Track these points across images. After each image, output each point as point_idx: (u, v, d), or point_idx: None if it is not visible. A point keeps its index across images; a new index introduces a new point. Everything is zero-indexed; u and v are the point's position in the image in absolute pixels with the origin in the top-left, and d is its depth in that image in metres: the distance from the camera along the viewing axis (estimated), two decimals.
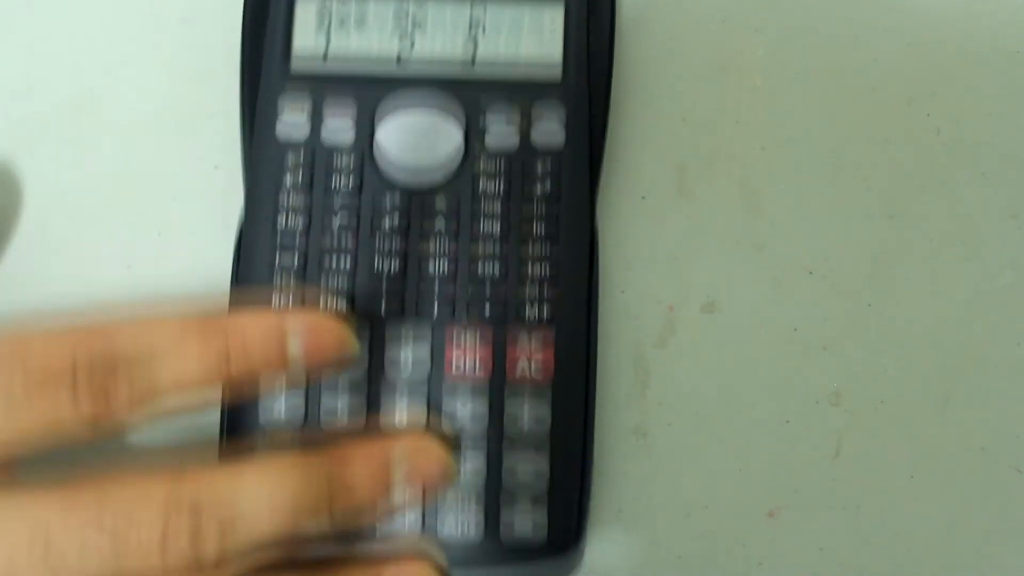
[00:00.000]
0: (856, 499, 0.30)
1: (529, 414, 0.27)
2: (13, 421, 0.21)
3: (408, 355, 0.28)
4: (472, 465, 0.27)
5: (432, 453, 0.26)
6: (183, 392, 0.23)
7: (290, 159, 0.28)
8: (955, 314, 0.31)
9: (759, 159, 0.32)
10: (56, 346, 0.22)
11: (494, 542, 0.27)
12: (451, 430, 0.27)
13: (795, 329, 0.31)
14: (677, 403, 0.30)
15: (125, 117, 0.32)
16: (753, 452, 0.30)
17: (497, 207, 0.28)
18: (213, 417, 0.27)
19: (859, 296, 0.31)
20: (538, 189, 0.28)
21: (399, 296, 0.28)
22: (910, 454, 0.30)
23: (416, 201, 0.28)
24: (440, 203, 0.28)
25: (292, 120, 0.29)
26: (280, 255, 0.28)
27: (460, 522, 0.27)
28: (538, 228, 0.28)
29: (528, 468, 0.27)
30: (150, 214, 0.31)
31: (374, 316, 0.28)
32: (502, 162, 0.28)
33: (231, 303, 0.28)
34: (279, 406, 0.27)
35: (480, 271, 0.28)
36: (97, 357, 0.22)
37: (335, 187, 0.28)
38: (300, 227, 0.28)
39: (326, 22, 0.29)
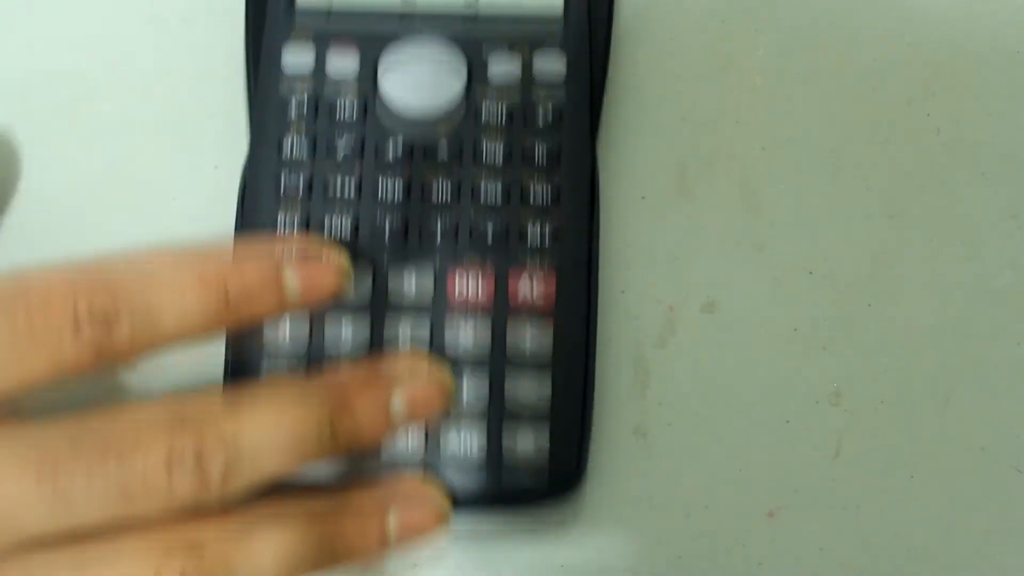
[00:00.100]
0: (856, 499, 0.30)
1: (531, 339, 0.28)
2: (18, 362, 0.21)
3: (411, 285, 0.28)
4: (474, 389, 0.27)
5: (431, 377, 0.26)
6: (183, 324, 0.23)
7: (294, 102, 0.29)
8: (955, 314, 0.31)
9: (759, 159, 0.32)
10: (58, 288, 0.22)
11: (497, 464, 0.27)
12: (451, 358, 0.28)
13: (795, 329, 0.31)
14: (677, 403, 0.30)
15: (125, 117, 0.32)
16: (753, 452, 0.30)
17: (499, 143, 0.29)
18: (218, 358, 0.28)
19: (859, 296, 0.31)
20: (539, 124, 0.29)
21: (403, 228, 0.28)
22: (910, 454, 0.30)
23: (419, 139, 0.29)
24: (443, 141, 0.29)
25: (297, 64, 0.29)
26: (284, 193, 0.29)
27: (463, 445, 0.27)
28: (539, 161, 0.29)
29: (530, 391, 0.28)
30: (150, 214, 0.31)
31: (378, 248, 0.28)
32: (504, 102, 0.29)
33: (236, 245, 0.28)
34: (283, 339, 0.28)
35: (483, 201, 0.29)
36: (98, 296, 0.22)
37: (339, 129, 0.29)
38: (304, 167, 0.29)
39: None
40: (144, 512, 0.21)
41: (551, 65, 0.29)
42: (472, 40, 0.29)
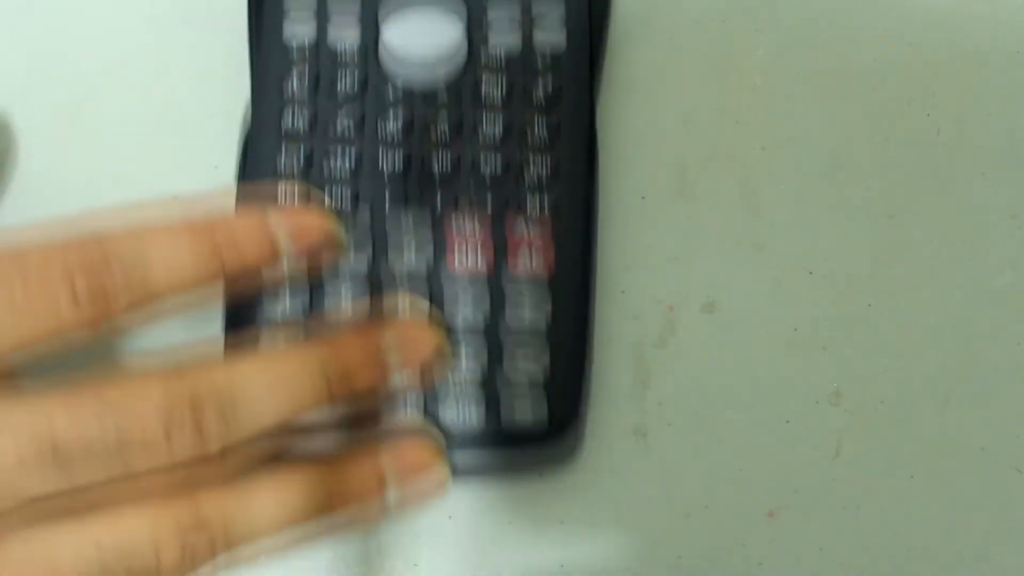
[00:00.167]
0: (856, 499, 0.30)
1: (529, 303, 0.28)
2: (15, 327, 0.22)
3: (411, 246, 0.28)
4: (473, 353, 0.28)
5: (424, 333, 0.26)
6: (178, 287, 0.23)
7: (296, 58, 0.29)
8: (955, 314, 0.31)
9: (759, 159, 0.32)
10: (53, 253, 0.22)
11: (494, 427, 0.27)
12: (444, 318, 0.28)
13: (795, 329, 0.31)
14: (677, 403, 0.30)
15: (125, 117, 0.32)
16: (753, 452, 0.30)
17: (499, 101, 0.29)
18: (216, 323, 0.28)
19: (859, 296, 0.31)
20: (539, 83, 0.29)
21: (402, 188, 0.28)
22: (910, 454, 0.30)
23: (419, 95, 0.29)
24: (443, 97, 0.29)
25: (298, 20, 0.29)
26: (285, 151, 0.29)
27: (461, 409, 0.27)
28: (539, 121, 0.29)
29: (528, 355, 0.28)
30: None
31: (377, 208, 0.28)
32: (504, 58, 0.29)
33: (237, 204, 0.28)
34: (282, 302, 0.28)
35: (482, 163, 0.29)
36: (93, 261, 0.22)
37: (340, 84, 0.29)
38: (305, 123, 0.29)
39: None
40: (144, 469, 0.21)
41: (552, 23, 0.29)
42: None
